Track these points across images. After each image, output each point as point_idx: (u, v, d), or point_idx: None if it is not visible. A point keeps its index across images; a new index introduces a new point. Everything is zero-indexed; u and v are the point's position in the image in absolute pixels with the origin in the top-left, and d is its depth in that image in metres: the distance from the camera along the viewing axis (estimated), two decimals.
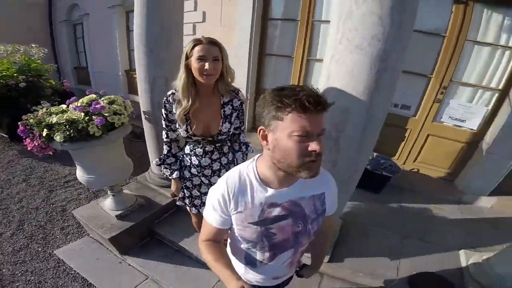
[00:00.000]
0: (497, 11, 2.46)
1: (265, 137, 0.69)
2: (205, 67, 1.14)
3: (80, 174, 1.92)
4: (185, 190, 1.49)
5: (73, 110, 1.75)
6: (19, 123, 1.75)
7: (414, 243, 2.11)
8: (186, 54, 1.17)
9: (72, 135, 1.65)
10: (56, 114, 1.73)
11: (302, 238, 0.83)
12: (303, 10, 3.17)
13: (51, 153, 1.83)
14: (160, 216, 2.26)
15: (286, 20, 3.39)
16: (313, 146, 0.63)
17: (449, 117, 2.83)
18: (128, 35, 5.73)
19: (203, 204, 1.49)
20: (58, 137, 1.63)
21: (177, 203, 1.58)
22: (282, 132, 0.63)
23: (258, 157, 0.79)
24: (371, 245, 2.07)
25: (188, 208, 1.55)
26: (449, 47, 2.64)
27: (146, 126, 2.31)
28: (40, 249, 2.13)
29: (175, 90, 1.26)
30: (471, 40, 2.59)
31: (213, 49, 1.15)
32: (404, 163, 3.18)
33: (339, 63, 1.32)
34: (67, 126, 1.66)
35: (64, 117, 1.68)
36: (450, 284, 1.73)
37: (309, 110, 0.60)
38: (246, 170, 0.78)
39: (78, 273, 1.93)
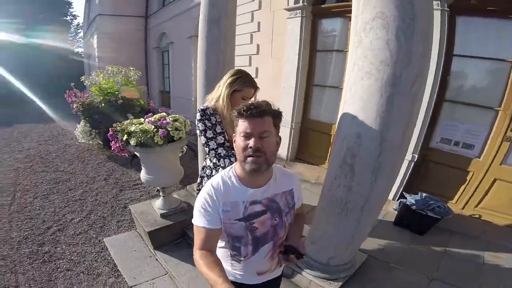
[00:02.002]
0: None
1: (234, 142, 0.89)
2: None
3: (143, 174, 2.41)
4: None
5: (147, 123, 2.27)
6: (110, 129, 2.35)
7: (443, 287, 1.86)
8: (236, 88, 1.43)
9: (142, 141, 2.14)
10: (135, 124, 2.27)
11: (280, 230, 0.96)
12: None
13: (127, 155, 2.35)
14: None
15: (336, 52, 3.50)
16: (250, 143, 0.83)
17: None
18: None
19: None
20: (132, 141, 2.13)
21: None
22: (236, 134, 0.87)
23: (236, 163, 0.94)
24: (391, 282, 1.89)
25: None
26: None
27: (199, 143, 2.68)
28: (94, 236, 2.53)
29: (207, 107, 1.48)
30: None
31: (252, 92, 1.47)
32: (463, 208, 2.73)
33: (352, 90, 1.39)
34: (140, 134, 2.17)
35: (140, 127, 2.21)
36: None
37: (246, 116, 0.83)
38: (227, 174, 0.93)
39: (112, 259, 2.23)
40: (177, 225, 2.41)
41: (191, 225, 2.48)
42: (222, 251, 1.00)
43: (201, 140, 1.50)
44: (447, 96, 2.70)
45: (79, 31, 19.53)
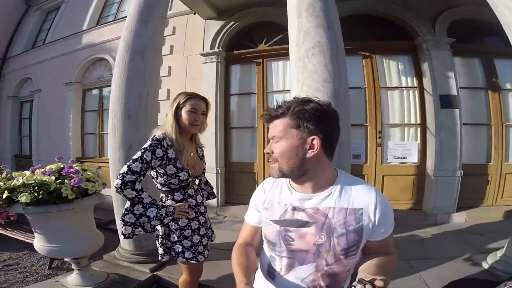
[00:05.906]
0: (391, 59, 3.32)
1: None
2: (195, 119, 1.33)
3: (40, 243, 1.63)
4: (183, 241, 1.37)
5: (41, 174, 1.61)
6: None
7: (422, 262, 2.10)
8: (178, 104, 1.32)
9: (41, 196, 1.48)
10: (21, 177, 1.56)
11: (325, 253, 0.76)
12: (258, 84, 3.70)
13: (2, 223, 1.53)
14: None
15: (246, 94, 3.87)
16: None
17: (393, 156, 3.35)
18: (83, 116, 5.42)
19: (205, 248, 1.42)
20: (24, 198, 1.45)
21: (178, 261, 1.39)
22: None
23: None
24: None
25: (193, 261, 1.37)
26: (371, 96, 3.31)
27: (117, 200, 2.09)
28: None
29: (164, 135, 1.30)
30: (383, 87, 3.35)
31: (202, 104, 1.37)
32: None
33: None
34: (36, 188, 1.50)
35: (33, 177, 1.54)
36: (494, 283, 1.37)
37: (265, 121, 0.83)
38: None
39: None
40: None
41: None
42: (262, 261, 0.92)
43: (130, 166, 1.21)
44: None
45: None
